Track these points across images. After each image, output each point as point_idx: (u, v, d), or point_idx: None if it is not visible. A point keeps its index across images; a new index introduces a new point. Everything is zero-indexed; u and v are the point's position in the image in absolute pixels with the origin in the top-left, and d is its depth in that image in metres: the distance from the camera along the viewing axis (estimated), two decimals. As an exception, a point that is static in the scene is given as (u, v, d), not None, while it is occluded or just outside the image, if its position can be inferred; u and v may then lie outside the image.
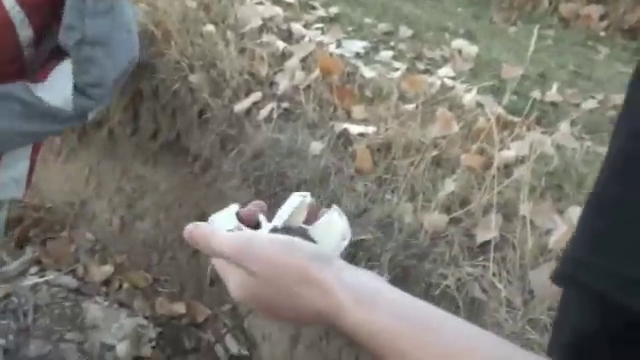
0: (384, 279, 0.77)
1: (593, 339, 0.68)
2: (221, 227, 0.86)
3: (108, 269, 3.31)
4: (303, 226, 0.87)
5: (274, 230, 0.86)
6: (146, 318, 3.07)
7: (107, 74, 1.95)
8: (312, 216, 0.87)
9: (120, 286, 3.25)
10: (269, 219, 0.88)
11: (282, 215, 0.87)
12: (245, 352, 2.96)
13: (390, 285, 0.75)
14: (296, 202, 0.86)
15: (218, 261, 0.81)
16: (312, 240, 0.85)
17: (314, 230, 0.87)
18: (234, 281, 0.79)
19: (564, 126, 2.48)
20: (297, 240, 0.79)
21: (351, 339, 0.72)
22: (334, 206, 0.88)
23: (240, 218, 0.88)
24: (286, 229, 0.86)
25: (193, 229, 0.83)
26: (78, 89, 1.93)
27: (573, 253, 0.50)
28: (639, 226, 0.44)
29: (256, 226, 0.88)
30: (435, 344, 0.65)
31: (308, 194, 0.88)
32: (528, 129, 2.36)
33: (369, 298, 0.71)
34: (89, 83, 1.93)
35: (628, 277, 0.45)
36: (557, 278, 0.51)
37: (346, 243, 0.86)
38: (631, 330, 0.55)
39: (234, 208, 0.89)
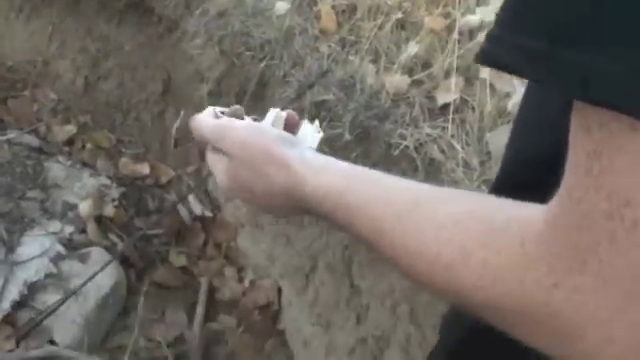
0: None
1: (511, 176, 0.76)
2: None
3: (71, 129, 3.28)
4: None
5: None
6: (109, 178, 3.07)
7: None
8: (291, 128, 0.91)
9: (83, 146, 3.23)
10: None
11: None
12: (209, 213, 2.99)
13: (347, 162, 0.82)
14: (271, 118, 0.90)
15: (208, 155, 0.90)
16: None
17: None
18: (220, 170, 0.87)
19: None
20: (267, 126, 0.88)
21: (313, 211, 0.78)
22: (305, 120, 0.92)
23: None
24: None
25: (194, 120, 0.93)
26: None
27: (493, 31, 0.51)
28: (555, 5, 0.47)
29: None
30: (378, 193, 0.71)
31: (282, 110, 0.93)
32: (495, -5, 2.34)
33: (324, 169, 0.79)
34: None
35: (531, 49, 0.47)
36: (478, 56, 0.53)
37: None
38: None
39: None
